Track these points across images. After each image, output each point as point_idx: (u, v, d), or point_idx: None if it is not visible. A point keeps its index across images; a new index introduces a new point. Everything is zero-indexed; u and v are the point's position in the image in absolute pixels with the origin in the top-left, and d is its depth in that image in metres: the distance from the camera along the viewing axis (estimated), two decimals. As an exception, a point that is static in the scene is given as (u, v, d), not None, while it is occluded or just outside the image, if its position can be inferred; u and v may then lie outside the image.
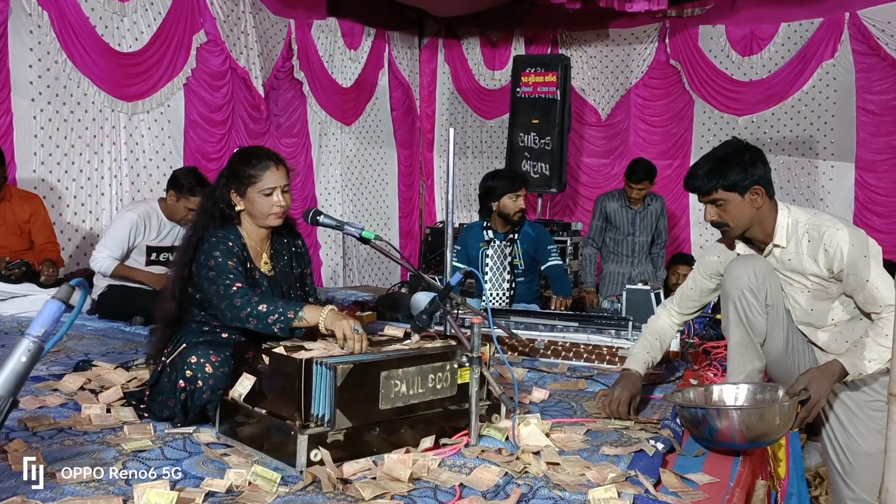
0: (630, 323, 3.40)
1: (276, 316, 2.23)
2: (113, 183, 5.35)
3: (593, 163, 7.38)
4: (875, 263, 2.35)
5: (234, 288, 2.28)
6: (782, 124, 6.62)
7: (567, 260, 5.77)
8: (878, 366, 2.29)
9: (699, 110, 6.92)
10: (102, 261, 4.10)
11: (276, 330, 2.23)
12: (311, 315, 2.23)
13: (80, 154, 5.15)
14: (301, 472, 1.91)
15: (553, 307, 4.09)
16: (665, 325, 2.79)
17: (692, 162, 6.67)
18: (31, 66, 4.85)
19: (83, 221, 5.19)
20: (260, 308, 2.24)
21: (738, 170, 2.38)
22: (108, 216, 5.20)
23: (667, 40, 6.99)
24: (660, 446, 2.19)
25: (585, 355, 3.34)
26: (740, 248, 2.60)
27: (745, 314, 2.48)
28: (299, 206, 6.16)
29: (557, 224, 6.04)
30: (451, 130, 2.82)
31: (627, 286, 3.85)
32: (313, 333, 2.32)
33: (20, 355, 1.01)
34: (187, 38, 5.66)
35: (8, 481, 1.79)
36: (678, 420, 2.43)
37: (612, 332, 3.42)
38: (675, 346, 3.43)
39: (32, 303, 4.07)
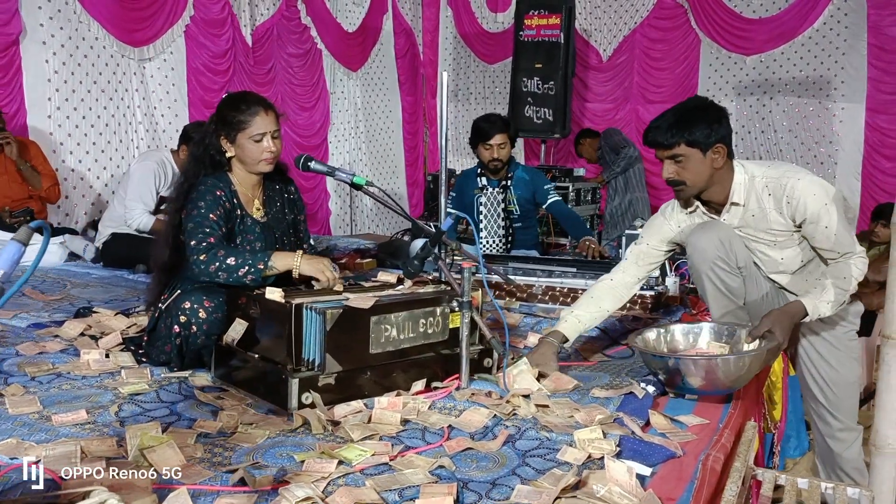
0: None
1: (247, 269, 2.24)
2: (128, 130, 5.34)
3: (597, 108, 7.28)
4: (836, 210, 2.32)
5: (204, 244, 2.28)
6: (792, 64, 6.48)
7: (570, 206, 5.74)
8: (835, 308, 2.33)
9: (706, 50, 6.78)
10: (139, 217, 4.07)
11: (247, 281, 2.25)
12: (281, 262, 2.27)
13: (97, 100, 5.14)
14: (292, 414, 1.94)
15: (586, 255, 3.86)
16: (614, 289, 2.55)
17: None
18: (40, 8, 4.79)
19: (104, 168, 5.20)
20: (228, 262, 2.24)
21: (703, 126, 2.31)
22: (125, 163, 5.19)
23: (674, -23, 6.82)
24: (650, 389, 2.20)
25: (583, 300, 3.34)
26: (698, 214, 2.51)
27: (720, 282, 2.45)
28: (316, 154, 6.15)
29: (559, 170, 5.99)
30: (445, 74, 2.78)
31: (627, 231, 3.83)
32: (287, 280, 2.33)
33: (-23, 296, 1.01)
34: (185, -17, 5.57)
35: (4, 424, 1.83)
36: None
37: (610, 277, 3.41)
38: (672, 289, 3.44)
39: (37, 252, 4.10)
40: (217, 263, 2.25)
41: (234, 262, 2.25)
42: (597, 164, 6.34)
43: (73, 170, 5.06)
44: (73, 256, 4.32)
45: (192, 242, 2.29)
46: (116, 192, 4.42)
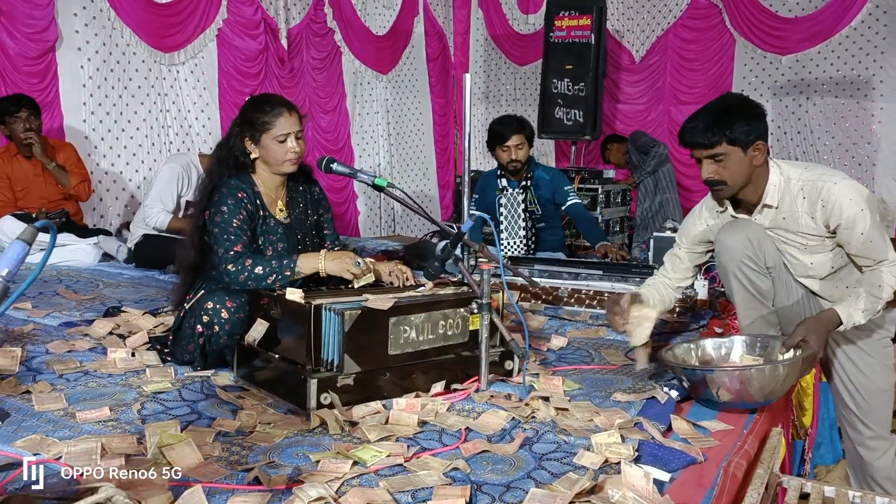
0: (656, 270, 3.34)
1: (275, 276, 2.27)
2: (161, 133, 5.45)
3: (628, 109, 7.21)
4: (871, 215, 2.26)
5: (231, 252, 2.31)
6: (829, 63, 6.35)
7: (599, 208, 5.70)
8: (869, 316, 2.27)
9: (741, 50, 6.67)
10: (157, 216, 4.15)
11: (276, 287, 2.27)
12: (306, 264, 2.31)
13: (127, 105, 5.25)
14: (310, 414, 1.95)
15: (610, 257, 3.88)
16: (663, 285, 2.60)
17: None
18: (75, 15, 4.90)
19: (136, 171, 5.30)
20: (256, 271, 2.28)
21: (742, 123, 2.26)
22: (157, 166, 5.27)
23: (708, -24, 6.73)
24: (673, 394, 2.17)
25: (609, 303, 3.31)
26: (726, 214, 2.47)
27: (748, 282, 2.41)
28: (340, 157, 6.20)
29: (589, 172, 5.95)
30: (468, 76, 2.77)
31: (655, 233, 3.79)
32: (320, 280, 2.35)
33: (-17, 294, 1.03)
34: (219, -12, 5.66)
35: (30, 421, 1.87)
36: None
37: (638, 280, 3.37)
38: (702, 293, 3.39)
39: (72, 252, 4.20)
40: (245, 273, 2.28)
41: (261, 272, 2.28)
42: (625, 168, 6.29)
43: (106, 172, 5.17)
44: (106, 257, 4.40)
45: (220, 251, 2.32)
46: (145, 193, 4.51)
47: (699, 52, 6.86)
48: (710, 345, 2.35)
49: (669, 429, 1.97)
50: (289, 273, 2.28)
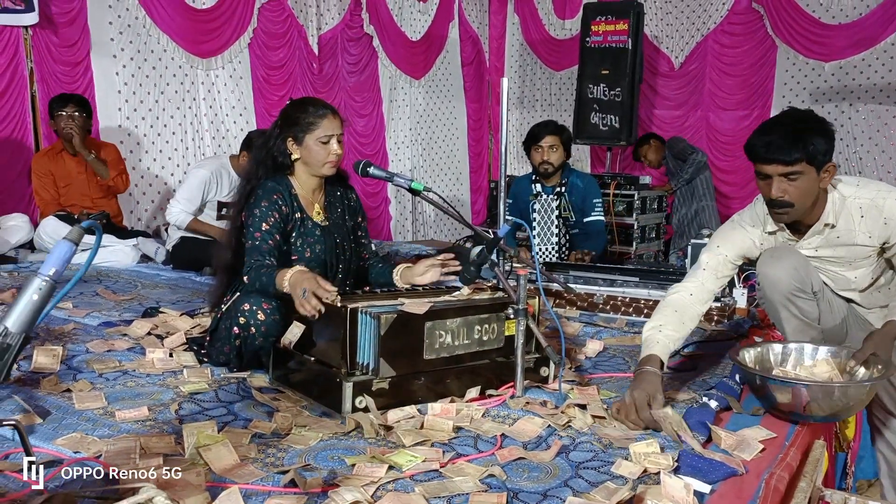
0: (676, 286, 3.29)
1: (270, 289, 2.25)
2: (195, 138, 5.53)
3: (666, 115, 7.14)
4: None
5: (253, 259, 2.34)
6: (873, 70, 6.21)
7: (634, 214, 5.63)
8: None
9: (782, 56, 6.56)
10: (177, 214, 4.24)
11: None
12: (280, 283, 2.22)
13: (164, 109, 5.34)
14: (345, 418, 1.95)
15: (572, 261, 3.93)
16: (694, 305, 2.33)
17: (773, 113, 6.39)
18: (110, 23, 5.01)
19: (171, 175, 5.39)
20: (263, 280, 2.28)
21: (821, 141, 2.15)
22: (190, 169, 5.35)
23: (749, -18, 6.63)
24: (713, 404, 2.13)
25: (646, 311, 3.27)
26: (780, 235, 2.39)
27: (798, 311, 2.35)
28: (374, 160, 6.22)
29: (624, 178, 5.88)
30: (505, 81, 2.76)
31: (692, 241, 3.73)
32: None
33: (32, 293, 1.05)
34: (251, -1, 5.74)
35: (70, 418, 1.89)
36: (737, 378, 2.35)
37: (675, 287, 3.32)
38: (741, 302, 3.33)
39: (112, 253, 4.28)
40: (257, 284, 2.30)
41: (266, 281, 2.27)
42: (657, 169, 6.20)
43: (142, 176, 5.26)
44: (145, 258, 4.47)
45: (246, 259, 2.36)
46: None
47: (740, 59, 6.76)
48: (786, 350, 2.27)
49: (709, 440, 1.93)
50: (273, 290, 2.24)
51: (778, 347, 2.29)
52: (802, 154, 2.14)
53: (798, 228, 2.36)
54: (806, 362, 2.24)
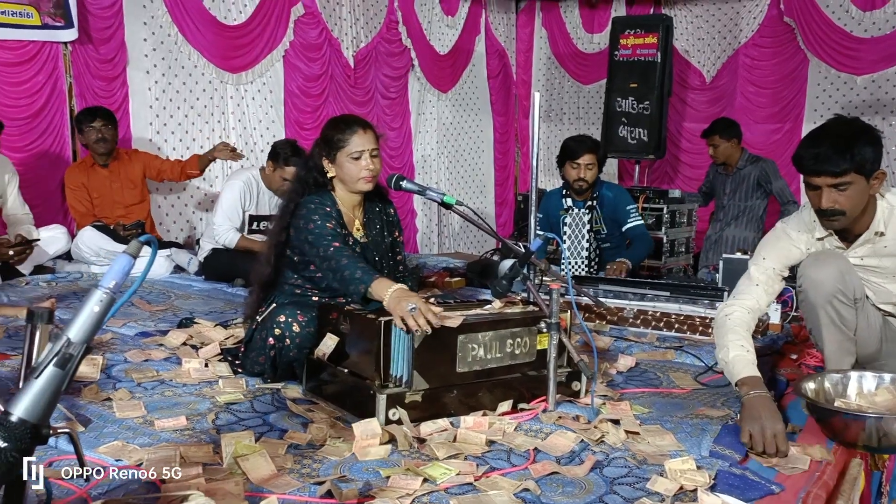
0: (725, 293, 3.27)
1: (354, 286, 2.23)
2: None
3: (695, 128, 7.08)
4: None
5: (332, 248, 2.32)
6: (906, 84, 6.14)
7: (663, 228, 5.60)
8: None
9: (814, 70, 6.50)
10: (226, 234, 4.26)
11: (352, 298, 2.28)
12: (378, 291, 2.16)
13: (193, 123, 5.44)
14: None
15: (609, 274, 3.88)
16: (748, 319, 2.31)
17: (805, 126, 6.32)
18: (145, 40, 5.13)
19: (197, 188, 5.47)
20: (345, 273, 2.26)
21: (869, 150, 2.14)
22: (220, 183, 5.45)
23: (780, -5, 6.59)
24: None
25: (677, 325, 3.25)
26: (829, 241, 2.37)
27: (837, 316, 2.32)
28: (402, 173, 6.26)
29: (653, 191, 5.85)
30: (537, 94, 2.78)
31: (724, 255, 3.71)
32: None
33: (93, 305, 1.08)
34: (286, 11, 5.82)
35: (111, 427, 1.93)
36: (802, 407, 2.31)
37: (707, 302, 3.31)
38: (774, 318, 3.30)
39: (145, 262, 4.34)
40: (340, 272, 2.27)
41: (348, 275, 2.24)
42: (718, 164, 5.79)
43: (171, 189, 5.35)
44: (178, 269, 4.54)
45: (319, 251, 2.33)
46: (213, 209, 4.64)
47: (771, 72, 6.70)
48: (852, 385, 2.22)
49: (746, 457, 1.92)
50: (363, 290, 2.20)
51: (836, 377, 2.25)
52: (851, 164, 2.13)
53: (846, 237, 2.35)
54: (866, 390, 2.20)
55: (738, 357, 2.14)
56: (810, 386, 2.17)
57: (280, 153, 4.24)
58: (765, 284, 2.36)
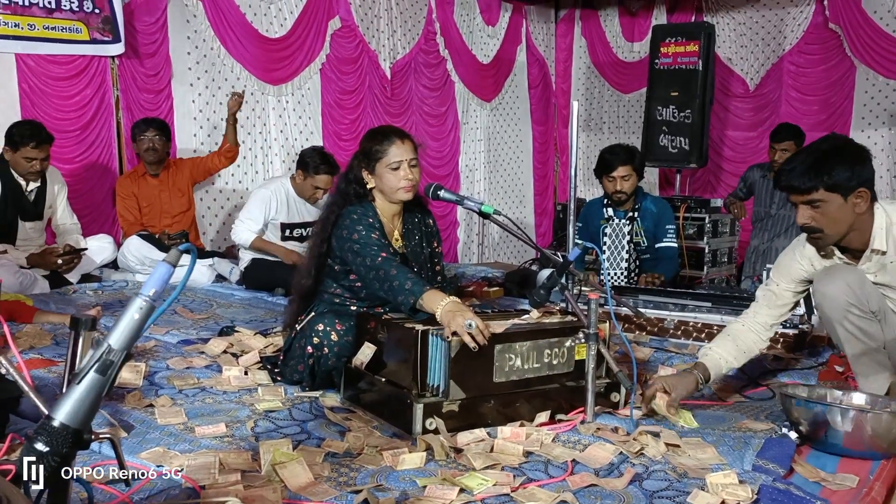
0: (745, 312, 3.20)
1: (403, 296, 2.22)
2: (265, 161, 5.71)
3: (739, 136, 6.97)
4: None
5: (380, 259, 2.32)
6: (956, 90, 5.96)
7: (705, 238, 5.51)
8: None
9: (861, 77, 6.34)
10: (241, 233, 4.36)
11: (401, 308, 2.27)
12: (429, 303, 2.16)
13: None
14: (416, 439, 1.96)
15: (642, 284, 3.88)
16: (748, 333, 2.43)
17: (852, 134, 6.17)
18: (188, 53, 5.26)
19: (241, 198, 5.56)
20: (394, 283, 2.26)
21: (843, 168, 2.13)
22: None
23: (825, 2, 6.45)
24: (793, 435, 2.07)
25: (719, 337, 3.19)
26: (835, 260, 2.34)
27: (856, 329, 2.27)
28: (446, 183, 6.29)
29: (695, 200, 5.75)
30: (576, 104, 2.76)
31: (768, 266, 3.63)
32: None
33: (133, 313, 1.10)
34: (324, 25, 5.90)
35: (153, 433, 1.96)
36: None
37: (749, 313, 3.23)
38: (819, 328, 3.21)
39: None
40: (389, 282, 2.26)
41: (397, 285, 2.24)
42: (771, 174, 5.65)
43: (214, 199, 5.46)
44: (220, 278, 4.61)
45: (366, 260, 2.33)
46: None
47: (817, 79, 6.57)
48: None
49: (790, 471, 1.87)
50: (412, 301, 2.20)
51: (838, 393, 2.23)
52: (818, 183, 2.14)
53: (853, 254, 2.31)
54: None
55: (700, 353, 2.42)
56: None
57: (309, 162, 4.31)
58: (764, 299, 2.46)
